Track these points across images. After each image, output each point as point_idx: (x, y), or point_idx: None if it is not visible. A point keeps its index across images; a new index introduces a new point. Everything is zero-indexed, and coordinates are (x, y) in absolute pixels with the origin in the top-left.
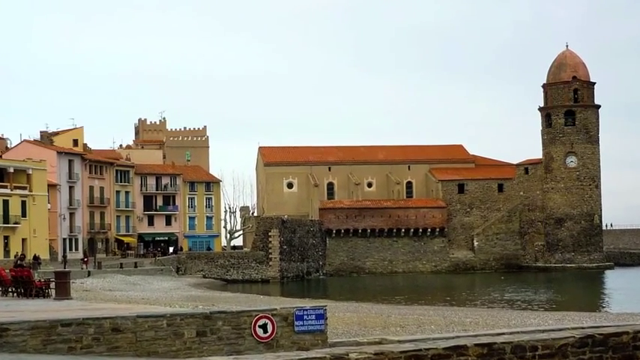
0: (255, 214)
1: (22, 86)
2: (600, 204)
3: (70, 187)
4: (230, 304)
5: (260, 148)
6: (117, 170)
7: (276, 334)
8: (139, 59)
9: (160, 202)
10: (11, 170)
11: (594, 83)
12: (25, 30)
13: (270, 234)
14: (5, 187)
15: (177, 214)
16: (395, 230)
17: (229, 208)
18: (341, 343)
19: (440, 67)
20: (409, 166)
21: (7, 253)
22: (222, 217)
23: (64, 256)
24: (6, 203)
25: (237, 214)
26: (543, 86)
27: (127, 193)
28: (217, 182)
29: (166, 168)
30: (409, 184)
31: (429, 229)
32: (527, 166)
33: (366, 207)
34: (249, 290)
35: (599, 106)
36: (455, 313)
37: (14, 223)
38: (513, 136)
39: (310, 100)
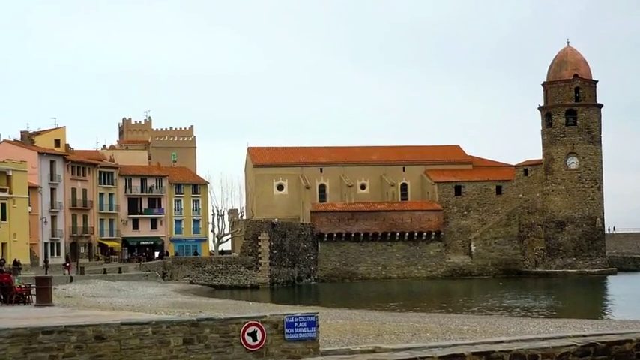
0: (244, 218)
1: (2, 84)
2: (602, 207)
3: (52, 190)
4: (218, 311)
5: (249, 148)
6: (100, 172)
7: (265, 342)
8: (123, 56)
9: (145, 204)
10: None
11: (596, 81)
12: (5, 26)
13: (259, 238)
14: None
15: (162, 217)
16: (389, 234)
17: (217, 211)
18: (333, 351)
19: (436, 65)
20: (404, 168)
21: None
22: (210, 220)
23: (46, 261)
24: None
25: (226, 217)
26: (543, 84)
27: (110, 195)
28: (205, 184)
29: (152, 169)
30: (404, 186)
31: (425, 233)
32: (526, 168)
33: (359, 210)
34: (237, 296)
35: (601, 106)
36: (451, 321)
37: None
38: (512, 136)
39: (301, 99)
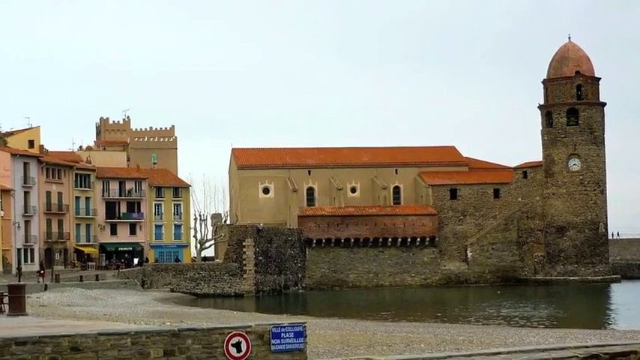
0: (228, 222)
1: None
2: (606, 211)
3: (26, 193)
4: (200, 321)
5: (233, 149)
6: (76, 174)
7: (250, 354)
8: (100, 52)
9: (123, 208)
10: None
11: (599, 79)
12: None
13: (244, 244)
14: None
15: (142, 222)
16: (381, 240)
17: (199, 215)
18: None
19: (430, 61)
20: (396, 170)
21: None
22: (192, 225)
23: (19, 268)
24: None
25: (209, 222)
26: (543, 82)
27: (87, 199)
28: (186, 187)
29: (130, 172)
30: (396, 190)
31: (419, 239)
32: (525, 170)
33: (350, 214)
34: (221, 305)
35: (604, 104)
36: (447, 331)
37: None
38: (511, 136)
39: (288, 98)
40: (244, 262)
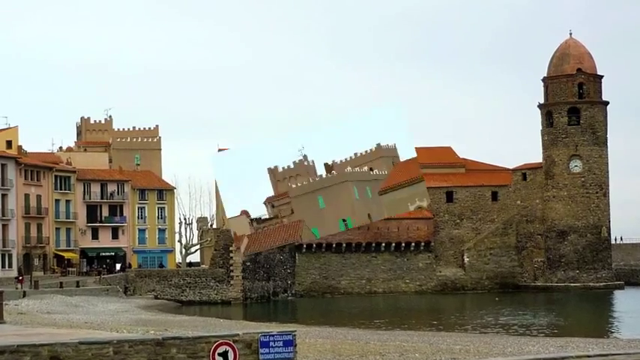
0: (215, 227)
1: None
2: (609, 215)
3: (3, 195)
4: (186, 329)
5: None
6: (56, 176)
7: None
8: (82, 49)
9: (105, 212)
10: None
11: (601, 77)
12: None
13: (231, 249)
14: None
15: (125, 226)
16: (374, 245)
17: (185, 219)
18: None
19: (425, 59)
20: None
21: None
22: (177, 229)
23: None
24: None
25: (194, 226)
26: (544, 80)
27: (67, 202)
28: (171, 190)
29: (113, 173)
30: None
31: (413, 244)
32: (525, 172)
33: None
34: (207, 313)
35: (607, 103)
36: (442, 340)
37: None
38: (509, 136)
39: (278, 96)
40: (231, 267)
